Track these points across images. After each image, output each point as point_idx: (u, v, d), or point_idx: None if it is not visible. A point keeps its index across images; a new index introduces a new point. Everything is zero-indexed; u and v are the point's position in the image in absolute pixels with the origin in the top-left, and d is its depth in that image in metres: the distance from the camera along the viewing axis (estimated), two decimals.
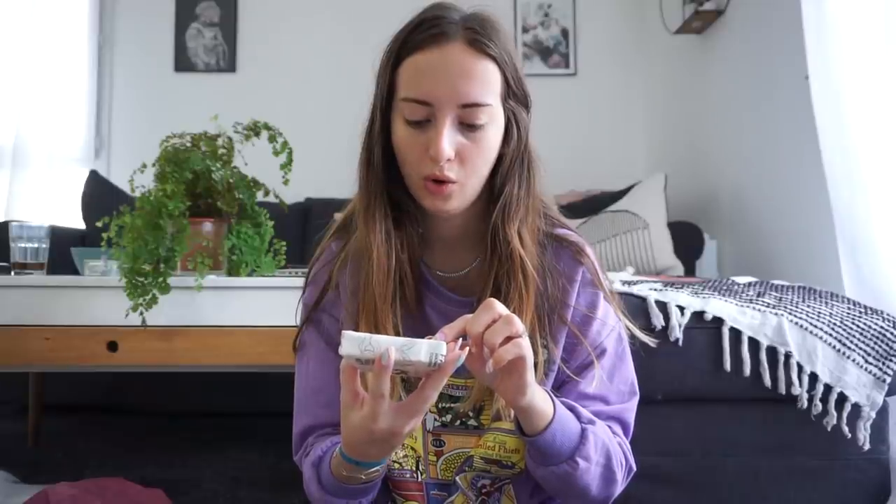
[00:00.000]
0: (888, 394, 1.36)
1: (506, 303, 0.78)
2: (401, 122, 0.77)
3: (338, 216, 0.92)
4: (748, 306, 1.43)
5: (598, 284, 0.85)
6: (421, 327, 0.84)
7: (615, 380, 0.84)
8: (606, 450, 0.77)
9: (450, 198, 0.77)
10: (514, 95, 0.79)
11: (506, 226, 0.80)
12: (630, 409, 0.85)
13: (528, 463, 0.78)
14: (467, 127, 0.76)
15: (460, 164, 0.76)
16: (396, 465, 0.85)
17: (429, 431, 0.84)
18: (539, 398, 0.72)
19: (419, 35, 0.75)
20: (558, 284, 0.83)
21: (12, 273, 1.47)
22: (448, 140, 0.74)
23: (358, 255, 0.83)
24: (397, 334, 0.80)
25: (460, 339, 0.67)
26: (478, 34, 0.75)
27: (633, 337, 0.90)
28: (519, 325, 0.66)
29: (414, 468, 0.85)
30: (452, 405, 0.83)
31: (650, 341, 0.94)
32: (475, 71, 0.74)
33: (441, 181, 0.76)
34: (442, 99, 0.74)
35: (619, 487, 0.80)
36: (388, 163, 0.81)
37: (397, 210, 0.83)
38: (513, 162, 0.81)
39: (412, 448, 0.85)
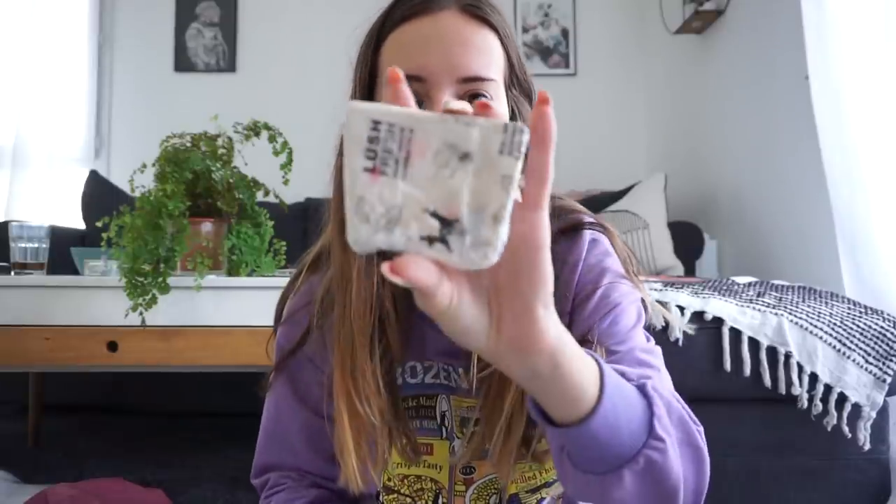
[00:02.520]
0: (888, 394, 1.35)
1: None
2: None
3: (312, 249, 0.78)
4: (748, 306, 1.43)
5: (607, 265, 0.69)
6: (426, 350, 0.71)
7: (635, 332, 0.67)
8: (679, 415, 0.53)
9: None
10: (518, 84, 0.67)
11: None
12: (658, 355, 0.66)
13: (569, 478, 0.50)
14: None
15: None
16: (408, 501, 0.73)
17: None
18: (571, 340, 0.44)
19: (403, 7, 0.64)
20: (564, 276, 0.68)
21: (12, 273, 1.47)
22: None
23: (332, 297, 0.69)
24: (376, 382, 0.64)
25: None
26: (474, 1, 0.64)
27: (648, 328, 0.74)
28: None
29: (431, 502, 0.73)
30: (476, 428, 0.69)
31: (673, 320, 0.82)
32: (475, 39, 0.63)
33: None
34: (436, 72, 0.61)
35: (708, 465, 0.54)
36: None
37: None
38: None
39: (432, 480, 0.72)
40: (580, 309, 0.67)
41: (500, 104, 0.64)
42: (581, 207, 0.75)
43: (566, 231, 0.71)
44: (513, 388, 0.64)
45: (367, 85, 0.67)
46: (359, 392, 0.64)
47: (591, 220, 0.73)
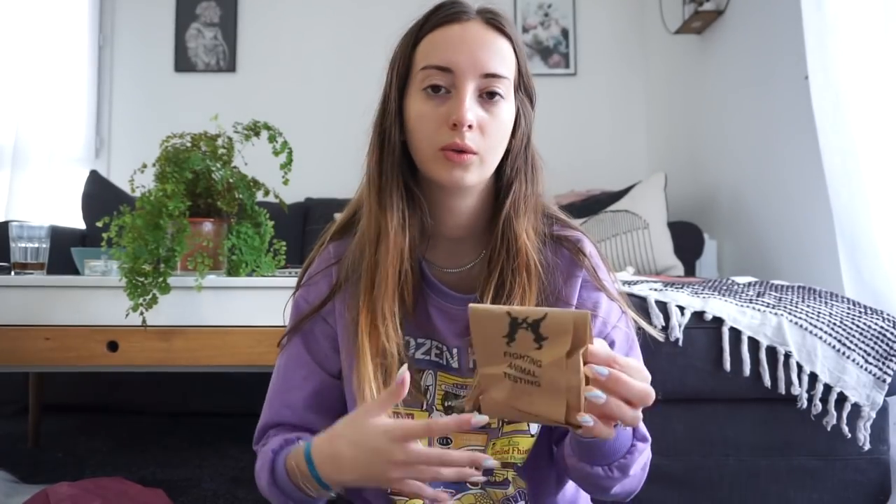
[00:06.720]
0: (888, 394, 1.36)
1: (509, 299, 0.80)
2: (418, 98, 0.78)
3: (338, 216, 0.92)
4: (748, 306, 1.43)
5: (599, 285, 0.85)
6: (425, 326, 0.85)
7: None
8: (642, 467, 0.82)
9: (469, 168, 0.77)
10: (524, 88, 0.82)
11: (516, 221, 0.81)
12: None
13: (567, 451, 0.80)
14: (486, 98, 0.78)
15: (481, 135, 0.77)
16: None
17: None
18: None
19: (438, 16, 0.79)
20: (557, 282, 0.84)
21: (12, 273, 1.47)
22: (470, 107, 0.76)
23: (357, 261, 0.83)
24: (394, 323, 0.80)
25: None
26: (494, 16, 0.80)
27: (640, 330, 0.89)
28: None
29: None
30: (455, 403, 0.84)
31: (658, 335, 0.94)
32: (495, 45, 0.78)
33: (462, 151, 0.76)
34: (463, 66, 0.76)
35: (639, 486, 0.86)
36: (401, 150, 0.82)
37: (409, 199, 0.82)
38: (518, 156, 0.82)
39: None
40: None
41: (508, 101, 0.79)
42: (577, 226, 0.89)
43: (560, 239, 0.86)
44: None
45: (404, 75, 0.81)
46: (384, 329, 0.78)
47: (577, 237, 0.87)
